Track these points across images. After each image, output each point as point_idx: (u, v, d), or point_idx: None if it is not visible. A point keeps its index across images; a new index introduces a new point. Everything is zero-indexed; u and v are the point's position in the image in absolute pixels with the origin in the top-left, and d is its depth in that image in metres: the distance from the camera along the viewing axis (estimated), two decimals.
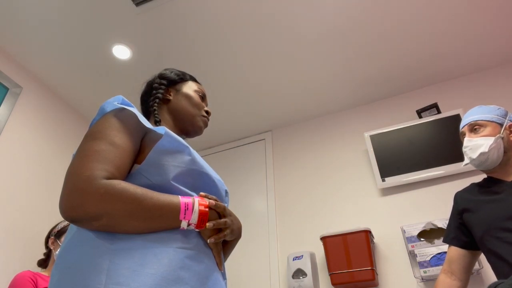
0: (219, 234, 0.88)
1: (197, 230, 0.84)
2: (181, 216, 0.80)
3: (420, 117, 2.67)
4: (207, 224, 0.84)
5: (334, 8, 2.29)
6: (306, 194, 2.82)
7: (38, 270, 1.96)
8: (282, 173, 3.02)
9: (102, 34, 2.43)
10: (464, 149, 1.58)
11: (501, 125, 1.53)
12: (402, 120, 2.74)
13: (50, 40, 2.45)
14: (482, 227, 1.43)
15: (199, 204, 0.83)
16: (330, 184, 2.77)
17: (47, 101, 2.76)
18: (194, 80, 1.23)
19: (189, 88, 1.18)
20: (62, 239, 1.93)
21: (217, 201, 0.89)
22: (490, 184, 1.54)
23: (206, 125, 1.18)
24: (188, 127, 1.14)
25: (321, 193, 2.77)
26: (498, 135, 1.50)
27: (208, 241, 0.86)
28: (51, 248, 1.96)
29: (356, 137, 2.86)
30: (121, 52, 2.54)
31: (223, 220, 0.88)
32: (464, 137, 1.60)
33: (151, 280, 0.71)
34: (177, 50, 2.55)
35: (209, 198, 0.88)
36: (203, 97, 1.20)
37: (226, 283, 0.91)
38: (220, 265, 0.88)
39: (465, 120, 1.62)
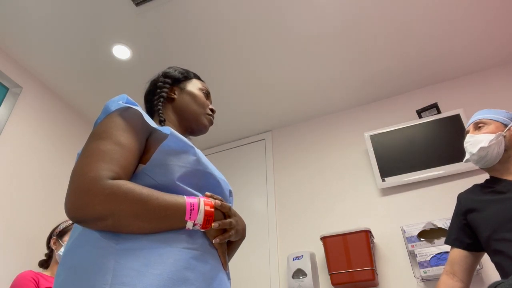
0: (224, 234, 0.88)
1: (202, 230, 0.84)
2: (187, 217, 0.80)
3: (420, 117, 2.68)
4: (213, 224, 0.84)
5: (334, 8, 2.29)
6: (306, 194, 2.82)
7: (40, 270, 1.96)
8: (282, 173, 3.02)
9: (102, 34, 2.43)
10: (465, 144, 1.61)
11: (505, 125, 1.56)
12: (402, 120, 2.75)
13: (50, 40, 2.45)
14: (488, 227, 1.43)
15: (205, 204, 0.83)
16: (330, 184, 2.77)
17: (47, 101, 2.76)
18: (198, 78, 1.23)
19: (194, 86, 1.18)
20: (64, 239, 1.93)
21: (223, 201, 0.89)
22: (494, 184, 1.54)
23: (211, 123, 1.18)
24: (193, 125, 1.13)
25: (321, 193, 2.77)
26: (500, 132, 1.53)
27: (214, 241, 0.86)
28: (53, 248, 1.95)
29: (356, 137, 2.87)
30: (121, 52, 2.54)
31: (228, 220, 0.88)
32: (467, 134, 1.64)
33: (157, 280, 0.71)
34: (177, 50, 2.55)
35: (215, 198, 0.88)
36: (207, 95, 1.20)
37: (230, 283, 0.91)
38: (225, 265, 0.88)
39: (472, 119, 1.66)
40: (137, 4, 2.24)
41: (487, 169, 1.59)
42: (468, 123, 1.68)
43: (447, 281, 1.54)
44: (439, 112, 2.63)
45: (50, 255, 2.00)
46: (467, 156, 1.60)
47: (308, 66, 2.68)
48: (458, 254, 1.56)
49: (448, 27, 2.40)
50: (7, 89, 2.45)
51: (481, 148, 1.52)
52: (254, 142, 3.30)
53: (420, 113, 2.69)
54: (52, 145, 2.69)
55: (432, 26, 2.39)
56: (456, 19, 2.35)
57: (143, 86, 1.23)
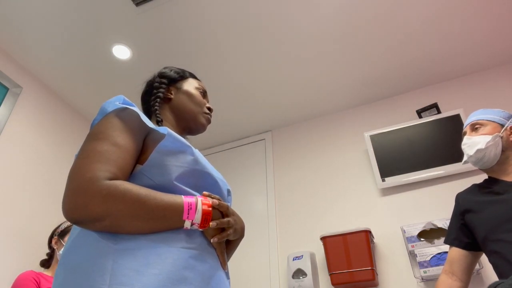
0: (222, 233, 0.88)
1: (200, 229, 0.84)
2: (185, 216, 0.80)
3: (420, 117, 2.68)
4: (211, 223, 0.83)
5: (334, 8, 2.29)
6: (306, 194, 2.82)
7: (40, 270, 1.96)
8: (282, 173, 3.02)
9: (102, 34, 2.43)
10: (462, 146, 1.62)
11: (502, 125, 1.57)
12: (402, 120, 2.75)
13: (50, 40, 2.45)
14: (485, 228, 1.44)
15: (203, 204, 0.83)
16: (330, 184, 2.77)
17: (47, 101, 2.76)
18: (194, 77, 1.23)
19: (190, 85, 1.17)
20: (66, 238, 1.93)
21: (220, 200, 0.89)
22: (491, 185, 1.55)
23: (209, 122, 1.18)
24: (191, 125, 1.13)
25: (321, 193, 2.77)
26: (496, 133, 1.54)
27: (212, 240, 0.85)
28: (55, 247, 1.96)
29: (356, 137, 2.87)
30: (121, 52, 2.54)
31: (226, 219, 0.88)
32: (465, 136, 1.64)
33: (155, 280, 0.71)
34: (177, 50, 2.55)
35: (212, 198, 0.88)
36: (204, 94, 1.20)
37: (229, 282, 0.91)
38: (224, 264, 0.88)
39: (468, 120, 1.67)
40: (137, 4, 2.24)
41: (485, 170, 1.60)
42: (464, 124, 1.69)
43: (446, 281, 1.54)
44: (439, 112, 2.63)
45: (51, 255, 2.01)
46: (465, 158, 1.62)
47: (308, 66, 2.68)
48: (457, 254, 1.56)
49: (448, 27, 2.39)
50: (7, 89, 2.45)
51: (478, 150, 1.53)
52: (254, 142, 3.30)
53: (420, 113, 2.69)
54: (52, 145, 2.69)
55: (432, 26, 2.39)
56: (456, 19, 2.35)
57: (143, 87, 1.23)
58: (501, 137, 1.53)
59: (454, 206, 1.64)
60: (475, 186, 1.63)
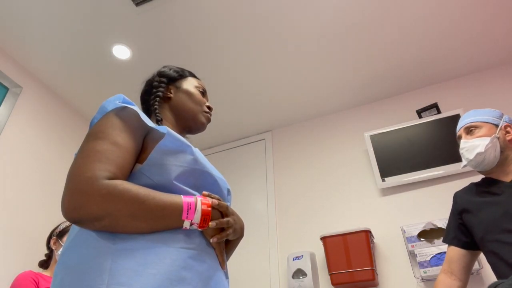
0: (221, 233, 0.87)
1: (199, 229, 0.84)
2: (184, 216, 0.79)
3: (420, 117, 2.68)
4: (210, 223, 0.83)
5: (334, 8, 2.29)
6: (306, 194, 2.82)
7: (39, 270, 1.96)
8: (282, 173, 3.02)
9: (102, 34, 2.43)
10: (461, 151, 1.59)
11: (496, 126, 1.55)
12: (402, 120, 2.74)
13: (50, 40, 2.45)
14: (482, 229, 1.44)
15: (202, 204, 0.83)
16: (330, 184, 2.77)
17: (47, 101, 2.76)
18: (193, 76, 1.22)
19: (189, 84, 1.17)
20: (64, 239, 1.92)
21: (220, 200, 0.89)
22: (489, 185, 1.54)
23: (208, 120, 1.17)
24: (191, 124, 1.13)
25: (321, 193, 2.77)
26: (493, 135, 1.52)
27: (211, 240, 0.85)
28: (53, 248, 1.95)
29: (356, 137, 2.87)
30: (121, 52, 2.54)
31: (225, 219, 0.88)
32: (461, 140, 1.62)
33: (153, 280, 0.71)
34: (177, 50, 2.55)
35: (212, 197, 0.88)
36: (203, 93, 1.19)
37: (228, 282, 0.91)
38: (222, 264, 0.88)
39: (461, 123, 1.65)
40: (137, 4, 2.24)
41: (484, 172, 1.59)
42: (457, 127, 1.66)
43: (445, 280, 1.53)
44: (439, 112, 2.63)
45: (50, 255, 2.00)
46: (464, 163, 1.59)
47: (308, 66, 2.68)
48: (455, 253, 1.56)
49: (448, 27, 2.39)
50: (7, 89, 2.45)
51: (478, 154, 1.51)
52: (254, 142, 3.30)
53: (420, 113, 2.69)
54: (52, 145, 2.69)
55: (432, 26, 2.39)
56: (456, 19, 2.34)
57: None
58: (498, 138, 1.52)
59: (452, 205, 1.64)
60: (473, 185, 1.62)
